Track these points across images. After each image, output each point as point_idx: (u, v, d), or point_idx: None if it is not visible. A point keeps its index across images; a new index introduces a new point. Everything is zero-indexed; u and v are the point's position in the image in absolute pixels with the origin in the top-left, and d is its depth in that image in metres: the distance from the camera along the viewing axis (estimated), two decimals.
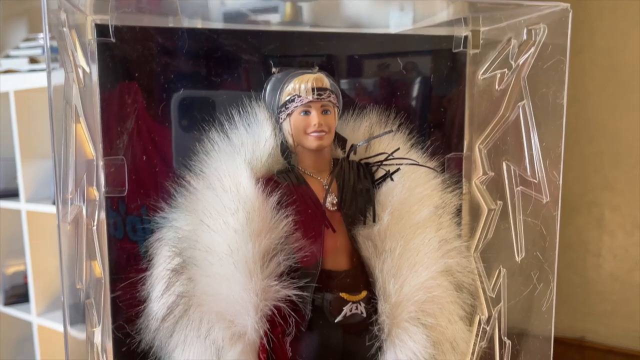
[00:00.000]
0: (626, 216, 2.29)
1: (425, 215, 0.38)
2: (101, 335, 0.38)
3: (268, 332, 0.37)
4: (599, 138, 2.36)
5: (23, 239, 1.79)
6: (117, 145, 0.40)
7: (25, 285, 1.91)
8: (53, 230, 0.37)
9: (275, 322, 0.37)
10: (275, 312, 0.36)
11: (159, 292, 0.37)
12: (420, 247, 0.37)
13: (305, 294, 0.36)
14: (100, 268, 0.39)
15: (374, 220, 0.37)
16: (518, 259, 0.40)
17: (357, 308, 0.37)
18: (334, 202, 0.38)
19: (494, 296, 0.43)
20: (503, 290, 0.42)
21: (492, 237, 0.43)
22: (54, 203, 0.35)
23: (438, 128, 0.45)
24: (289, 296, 0.36)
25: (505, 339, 0.42)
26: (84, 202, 0.36)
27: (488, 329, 0.44)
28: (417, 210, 0.38)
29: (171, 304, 0.37)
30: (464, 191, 0.42)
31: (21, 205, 1.80)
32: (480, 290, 0.44)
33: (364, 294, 0.37)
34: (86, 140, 0.37)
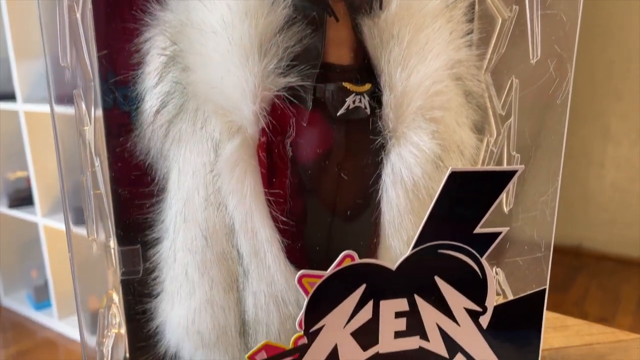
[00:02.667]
0: (632, 126, 2.26)
1: (436, 5, 0.35)
2: (93, 134, 0.36)
3: (267, 128, 0.35)
4: (611, 46, 2.29)
5: (23, 141, 1.77)
6: None
7: (28, 189, 1.92)
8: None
9: (275, 116, 0.35)
10: (276, 102, 0.34)
11: (152, 84, 0.35)
12: (430, 36, 0.35)
13: (306, 83, 0.34)
14: (89, 70, 0.37)
15: (380, 7, 0.35)
16: (533, 60, 0.37)
17: (360, 101, 0.35)
18: None
19: (503, 114, 0.41)
20: (514, 104, 0.40)
21: (504, 50, 0.40)
22: None
23: None
24: (289, 84, 0.34)
25: (514, 152, 0.40)
26: None
27: (496, 149, 0.42)
28: None
29: (165, 96, 0.35)
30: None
31: (18, 106, 1.77)
32: (490, 111, 0.42)
33: (368, 86, 0.35)
34: None
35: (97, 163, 0.38)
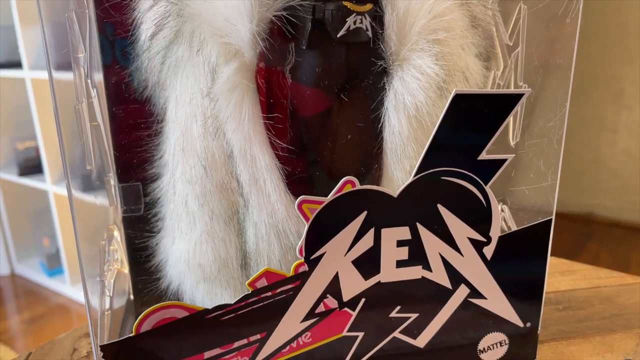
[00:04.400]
0: None
1: None
2: (89, 62, 0.35)
3: (265, 50, 0.34)
4: (624, 8, 2.22)
5: (30, 109, 1.77)
6: None
7: (37, 159, 1.93)
8: None
9: (274, 40, 0.34)
10: (275, 22, 0.33)
11: (147, 6, 0.34)
12: None
13: (305, 1, 0.33)
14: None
15: None
16: None
17: (361, 22, 0.34)
18: None
19: (511, 44, 0.40)
20: (522, 33, 0.39)
21: None
22: None
23: None
24: (287, 3, 0.33)
25: (521, 83, 0.39)
26: None
27: (503, 82, 0.41)
28: None
29: (160, 18, 0.34)
30: None
31: (25, 73, 1.76)
32: (496, 41, 0.40)
33: (369, 6, 0.34)
34: None
35: (93, 94, 0.37)
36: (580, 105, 2.13)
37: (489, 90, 0.38)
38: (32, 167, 1.91)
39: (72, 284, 1.90)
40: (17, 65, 1.77)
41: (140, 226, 0.42)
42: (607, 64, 2.03)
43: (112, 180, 0.42)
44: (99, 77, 0.39)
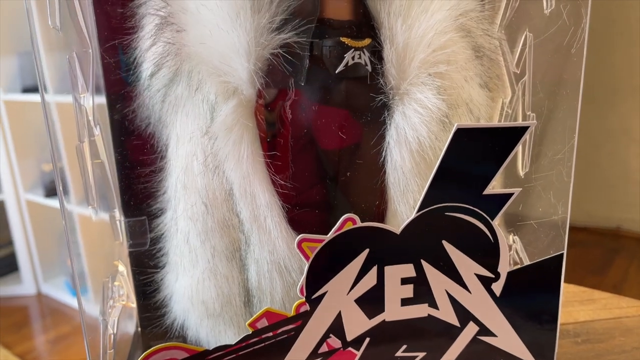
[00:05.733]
0: None
1: None
2: (92, 102, 0.36)
3: (263, 90, 0.34)
4: None
5: (56, 132, 1.81)
6: None
7: (63, 180, 1.96)
8: None
9: (272, 75, 0.34)
10: (272, 61, 0.33)
11: (147, 46, 0.34)
12: None
13: (302, 39, 0.33)
14: (86, 37, 0.36)
15: None
16: (547, 11, 0.35)
17: (360, 57, 0.33)
18: None
19: (518, 72, 0.39)
20: (528, 61, 0.38)
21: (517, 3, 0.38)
22: None
23: None
24: (284, 40, 0.32)
25: (529, 112, 0.38)
26: None
27: (511, 111, 0.40)
28: None
29: (159, 57, 0.34)
30: None
31: (50, 97, 1.80)
32: (504, 69, 0.39)
33: (367, 41, 0.34)
34: None
35: (97, 132, 0.37)
36: (607, 118, 2.08)
37: (492, 124, 0.37)
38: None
39: (97, 303, 1.92)
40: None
41: (146, 261, 0.42)
42: (633, 74, 1.99)
43: (117, 215, 0.42)
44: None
